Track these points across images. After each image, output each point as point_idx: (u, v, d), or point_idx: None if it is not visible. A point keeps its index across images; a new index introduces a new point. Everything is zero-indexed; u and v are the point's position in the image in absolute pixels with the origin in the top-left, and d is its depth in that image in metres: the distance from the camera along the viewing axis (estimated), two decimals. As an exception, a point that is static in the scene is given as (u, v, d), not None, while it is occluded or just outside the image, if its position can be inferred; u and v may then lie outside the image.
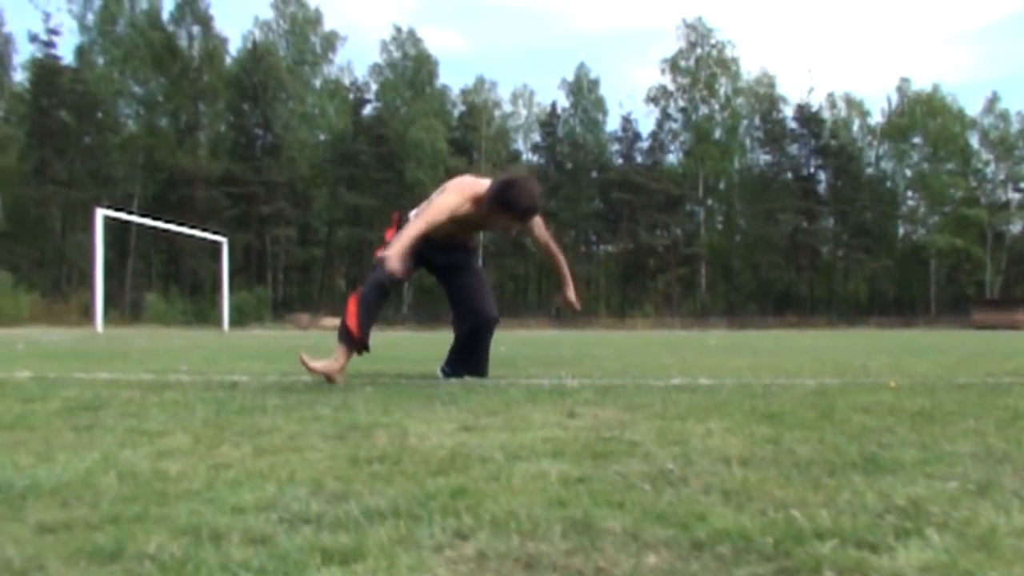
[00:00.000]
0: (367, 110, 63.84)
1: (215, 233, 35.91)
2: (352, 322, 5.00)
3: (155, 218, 36.37)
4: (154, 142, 57.63)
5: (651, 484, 1.99)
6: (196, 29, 59.87)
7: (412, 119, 60.08)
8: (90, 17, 59.08)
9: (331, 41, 65.38)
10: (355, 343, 5.04)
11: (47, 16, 56.81)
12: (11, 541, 1.51)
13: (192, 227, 36.67)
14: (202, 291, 53.87)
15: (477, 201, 5.11)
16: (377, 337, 17.76)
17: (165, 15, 59.91)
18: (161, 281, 57.45)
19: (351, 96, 64.43)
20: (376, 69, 64.94)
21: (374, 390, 4.48)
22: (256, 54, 60.19)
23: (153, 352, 10.24)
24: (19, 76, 59.68)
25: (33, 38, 56.53)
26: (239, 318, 41.32)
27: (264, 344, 14.21)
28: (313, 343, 14.99)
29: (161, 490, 1.92)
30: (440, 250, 5.37)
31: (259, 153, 58.82)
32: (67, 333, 25.06)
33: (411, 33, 64.50)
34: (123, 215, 32.93)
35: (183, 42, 59.23)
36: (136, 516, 1.67)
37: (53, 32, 56.68)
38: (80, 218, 53.47)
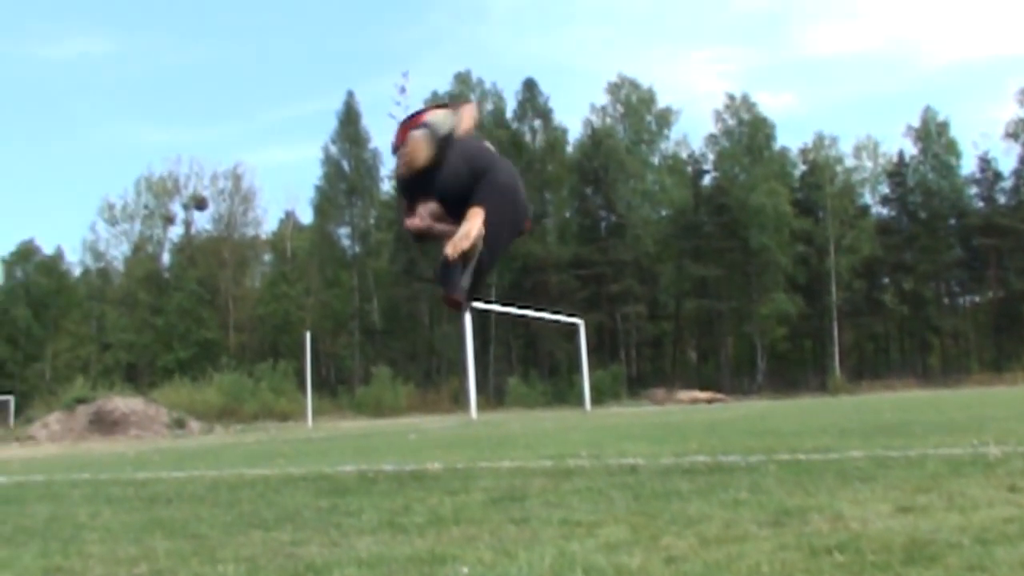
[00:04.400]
0: (706, 180, 63.89)
1: (569, 315, 37.10)
2: None
3: (516, 306, 38.16)
4: (506, 233, 60.81)
5: None
6: (538, 123, 62.99)
7: (753, 185, 59.34)
8: (441, 124, 64.02)
9: (666, 117, 66.42)
10: None
11: (404, 128, 62.10)
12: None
13: (546, 311, 38.06)
14: (559, 372, 55.60)
15: None
16: (739, 410, 17.26)
17: (509, 113, 63.65)
18: (521, 365, 59.90)
19: (689, 168, 64.85)
20: (712, 139, 64.99)
21: (778, 468, 4.36)
22: (595, 139, 62.32)
23: (534, 435, 10.63)
24: (385, 186, 65.35)
25: (395, 149, 61.96)
26: (596, 396, 42.12)
27: (631, 422, 14.35)
28: (678, 419, 14.96)
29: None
30: None
31: (604, 234, 60.36)
32: (445, 420, 26.65)
33: (745, 99, 64.15)
34: (484, 304, 34.85)
35: (527, 136, 62.48)
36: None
37: (411, 142, 61.95)
38: (445, 311, 57.29)
